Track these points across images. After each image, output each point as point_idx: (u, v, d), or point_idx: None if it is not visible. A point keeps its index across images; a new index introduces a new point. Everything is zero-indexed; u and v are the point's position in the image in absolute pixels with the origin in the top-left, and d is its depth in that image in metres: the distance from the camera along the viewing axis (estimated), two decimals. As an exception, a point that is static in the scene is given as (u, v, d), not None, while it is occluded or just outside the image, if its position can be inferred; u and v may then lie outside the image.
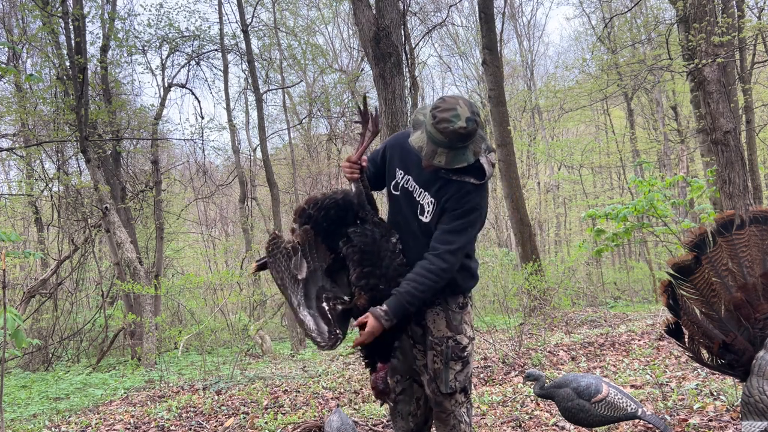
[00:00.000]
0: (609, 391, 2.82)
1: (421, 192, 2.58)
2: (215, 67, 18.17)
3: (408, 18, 13.17)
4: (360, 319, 2.49)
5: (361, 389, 5.64)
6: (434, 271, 2.46)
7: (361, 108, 2.67)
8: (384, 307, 2.45)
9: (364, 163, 2.66)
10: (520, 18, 24.50)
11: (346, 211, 2.62)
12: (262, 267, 2.67)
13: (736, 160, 6.63)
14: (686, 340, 2.49)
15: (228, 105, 17.42)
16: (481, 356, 6.75)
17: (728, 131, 6.62)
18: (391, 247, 2.59)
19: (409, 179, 2.62)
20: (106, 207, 11.29)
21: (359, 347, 2.55)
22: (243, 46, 16.05)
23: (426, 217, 2.56)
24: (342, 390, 5.69)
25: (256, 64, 16.42)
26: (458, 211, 2.49)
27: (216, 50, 17.26)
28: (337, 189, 2.68)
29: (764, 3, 10.55)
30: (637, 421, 3.30)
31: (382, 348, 2.56)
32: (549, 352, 6.60)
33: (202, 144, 20.06)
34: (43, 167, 16.12)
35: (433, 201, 2.54)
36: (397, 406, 2.80)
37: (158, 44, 16.50)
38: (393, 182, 2.68)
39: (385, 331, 2.47)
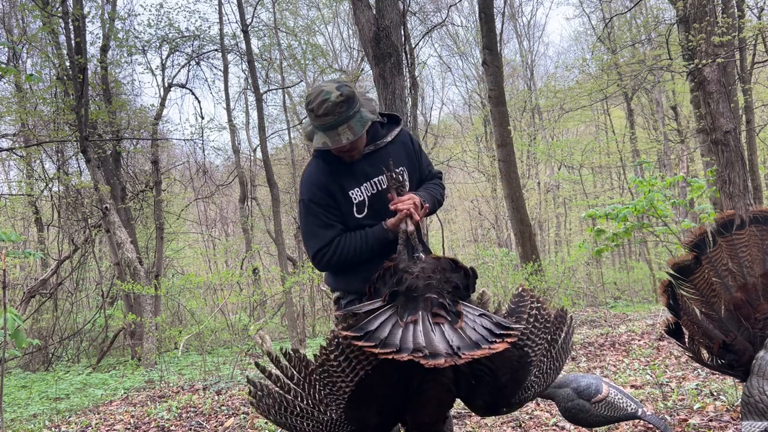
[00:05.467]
0: (609, 391, 2.81)
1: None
2: (215, 67, 18.21)
3: (408, 18, 13.16)
4: (400, 198, 2.37)
5: (361, 389, 5.63)
6: (443, 188, 2.74)
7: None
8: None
9: None
10: (520, 18, 24.52)
11: None
12: None
13: (736, 160, 6.63)
14: (686, 340, 2.49)
15: (228, 105, 17.43)
16: (481, 356, 6.73)
17: (728, 131, 6.62)
18: None
19: (368, 184, 2.51)
20: (106, 207, 11.29)
21: None
22: (243, 46, 16.05)
23: (408, 185, 2.58)
24: (342, 390, 5.68)
25: (256, 64, 16.41)
26: (421, 150, 2.72)
27: (216, 50, 17.27)
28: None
29: (764, 3, 10.55)
30: (637, 421, 3.30)
31: None
32: (549, 352, 6.59)
33: (202, 144, 20.13)
34: (43, 167, 16.13)
35: (402, 169, 2.55)
36: None
37: (158, 44, 16.53)
38: (355, 206, 2.49)
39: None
